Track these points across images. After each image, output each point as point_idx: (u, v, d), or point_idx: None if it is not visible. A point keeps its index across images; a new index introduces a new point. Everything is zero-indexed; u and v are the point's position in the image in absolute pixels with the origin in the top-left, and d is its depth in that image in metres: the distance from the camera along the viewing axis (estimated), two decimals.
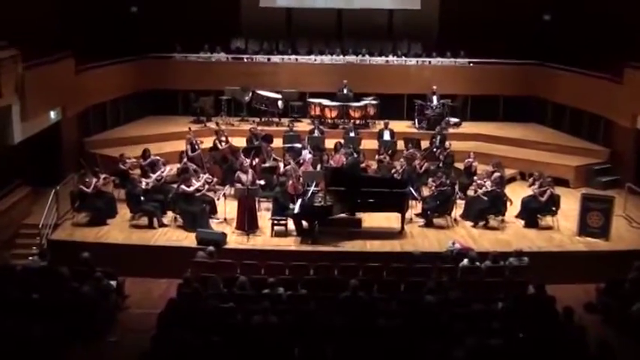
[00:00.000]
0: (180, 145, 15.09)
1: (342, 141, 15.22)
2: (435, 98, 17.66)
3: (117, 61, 16.84)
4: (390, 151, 15.28)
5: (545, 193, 12.55)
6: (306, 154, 14.45)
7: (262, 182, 12.95)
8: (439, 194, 12.78)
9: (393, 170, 13.96)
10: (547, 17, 18.46)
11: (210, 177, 13.19)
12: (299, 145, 15.13)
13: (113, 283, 10.19)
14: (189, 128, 15.20)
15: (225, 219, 12.65)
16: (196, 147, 14.60)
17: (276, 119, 17.78)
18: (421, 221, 12.81)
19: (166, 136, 16.49)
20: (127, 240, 11.78)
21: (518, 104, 18.37)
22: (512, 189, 14.01)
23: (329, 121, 17.57)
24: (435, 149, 15.32)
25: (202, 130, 16.71)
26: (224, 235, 11.79)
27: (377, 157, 15.15)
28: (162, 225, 12.35)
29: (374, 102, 17.66)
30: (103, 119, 16.78)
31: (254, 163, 14.05)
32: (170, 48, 18.40)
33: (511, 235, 12.31)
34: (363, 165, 14.34)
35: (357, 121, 17.48)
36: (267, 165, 14.16)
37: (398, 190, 12.22)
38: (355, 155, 14.45)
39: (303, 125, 17.40)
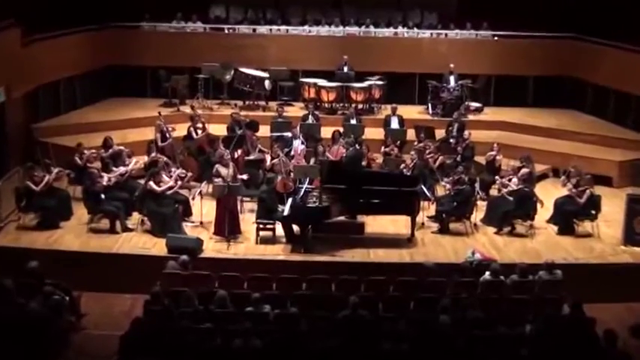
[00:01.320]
0: (149, 133, 15.12)
1: (342, 129, 15.34)
2: (452, 79, 17.81)
3: (73, 31, 16.84)
4: (398, 142, 15.39)
5: (583, 193, 12.61)
6: (298, 145, 14.60)
7: (245, 177, 13.05)
8: (456, 194, 12.85)
9: (402, 165, 14.12)
10: None
11: (184, 172, 13.25)
12: (289, 134, 15.17)
13: (66, 298, 10.21)
14: (159, 113, 15.25)
15: (201, 222, 12.72)
16: (167, 135, 14.62)
17: (262, 103, 17.87)
18: (435, 226, 12.92)
19: (132, 122, 16.57)
20: (84, 247, 11.85)
21: (552, 86, 18.51)
22: (543, 188, 14.12)
23: (326, 105, 17.71)
24: (451, 140, 15.46)
25: (175, 116, 16.81)
26: (200, 241, 11.86)
27: (383, 148, 15.21)
28: (126, 229, 12.43)
29: (379, 83, 17.77)
30: (56, 101, 16.83)
31: (236, 155, 14.10)
32: (137, 16, 18.50)
33: (542, 243, 12.40)
34: (366, 158, 14.44)
35: (360, 106, 17.62)
36: (251, 158, 14.26)
37: (407, 189, 12.28)
38: (357, 146, 14.54)
39: (295, 110, 17.52)
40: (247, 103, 17.85)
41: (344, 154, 14.06)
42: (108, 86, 18.37)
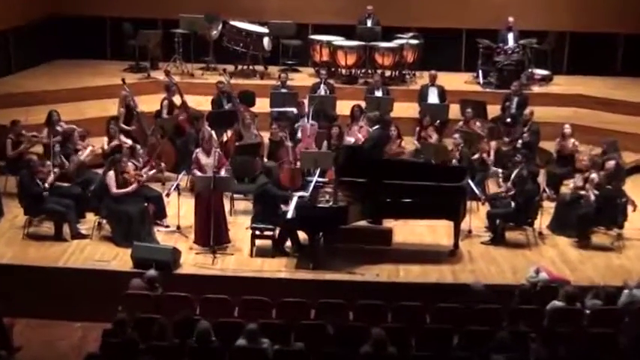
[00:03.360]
0: (110, 108, 15.21)
1: (364, 104, 15.36)
2: (511, 37, 17.87)
3: None
4: (437, 122, 15.37)
5: None
6: (307, 125, 14.66)
7: (223, 172, 12.84)
8: (515, 192, 12.82)
9: (442, 152, 14.18)
10: None
11: (156, 159, 13.33)
12: (295, 110, 15.26)
13: None
14: (124, 81, 15.22)
15: (178, 227, 12.78)
16: (134, 111, 14.66)
17: (260, 68, 17.91)
18: (486, 235, 12.94)
19: (86, 93, 16.74)
20: (20, 258, 11.85)
21: None
22: (635, 185, 14.06)
23: (343, 71, 17.75)
24: (509, 119, 15.46)
25: (144, 84, 16.96)
26: (175, 252, 11.87)
27: (417, 130, 15.24)
28: (77, 235, 12.45)
29: (414, 42, 17.85)
30: None
31: (225, 138, 14.21)
32: None
33: (633, 259, 12.38)
34: (396, 144, 14.46)
35: (388, 73, 17.60)
36: (245, 142, 14.28)
37: (450, 185, 12.25)
38: (383, 127, 14.50)
39: (303, 78, 17.63)
40: (240, 68, 17.91)
41: (367, 137, 14.22)
42: (54, 45, 18.48)
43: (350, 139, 14.22)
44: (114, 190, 12.28)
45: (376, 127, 14.18)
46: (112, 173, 12.40)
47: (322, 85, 16.19)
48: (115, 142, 13.84)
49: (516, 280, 11.58)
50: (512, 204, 12.87)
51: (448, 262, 12.27)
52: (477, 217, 13.21)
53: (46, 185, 12.45)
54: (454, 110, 15.83)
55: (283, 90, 15.93)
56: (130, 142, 13.88)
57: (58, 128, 13.88)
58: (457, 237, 12.46)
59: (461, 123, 15.08)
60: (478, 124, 14.89)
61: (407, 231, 12.95)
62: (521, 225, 12.89)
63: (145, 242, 12.01)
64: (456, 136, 14.34)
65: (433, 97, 16.36)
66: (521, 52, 17.76)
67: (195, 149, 13.05)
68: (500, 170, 13.74)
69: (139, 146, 13.68)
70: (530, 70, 17.74)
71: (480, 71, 17.94)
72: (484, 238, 12.93)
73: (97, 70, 17.84)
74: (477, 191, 12.97)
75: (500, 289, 11.11)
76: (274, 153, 14.20)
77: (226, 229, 12.43)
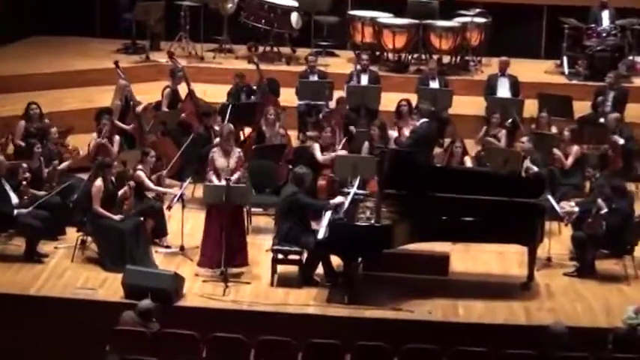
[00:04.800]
0: (97, 98, 15.40)
1: (416, 98, 15.40)
2: (605, 16, 17.87)
3: None
4: (509, 121, 15.36)
5: None
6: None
7: (236, 176, 12.94)
8: (608, 212, 12.65)
9: (513, 159, 13.98)
10: None
11: (156, 159, 13.53)
12: (330, 105, 15.33)
13: None
14: (117, 64, 15.40)
15: (181, 247, 12.84)
16: (131, 102, 14.83)
17: (286, 50, 17.96)
18: (570, 265, 12.92)
19: (68, 79, 16.80)
20: None
21: None
22: None
23: (390, 55, 17.79)
24: (602, 119, 15.37)
25: (141, 69, 17.09)
26: (178, 278, 11.88)
27: (483, 131, 15.21)
28: (36, 255, 12.46)
29: (480, 20, 17.86)
30: None
31: (242, 136, 14.27)
32: None
33: None
34: (456, 148, 14.40)
35: (447, 59, 17.65)
36: (267, 144, 14.39)
37: (523, 201, 12.22)
38: (432, 122, 14.52)
39: (340, 63, 17.77)
40: (262, 49, 17.91)
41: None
42: (29, 17, 18.57)
43: (394, 142, 14.34)
44: (96, 206, 12.31)
45: (424, 120, 14.17)
46: (99, 183, 12.41)
47: (362, 74, 16.30)
48: (98, 141, 13.93)
49: (609, 322, 11.49)
50: (604, 226, 12.71)
51: (520, 297, 12.20)
52: (558, 242, 13.17)
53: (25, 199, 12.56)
54: (530, 107, 15.75)
55: (314, 78, 16.05)
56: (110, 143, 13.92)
57: (35, 124, 14.11)
58: (532, 266, 12.38)
59: (537, 124, 15.15)
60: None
61: (468, 258, 12.94)
62: (616, 254, 12.83)
63: (140, 266, 11.99)
64: (525, 139, 14.28)
65: (504, 91, 16.40)
66: (619, 34, 17.73)
67: (210, 152, 13.07)
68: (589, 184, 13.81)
69: (152, 152, 13.60)
70: (630, 58, 17.69)
71: (565, 58, 17.96)
72: (567, 269, 12.90)
73: (82, 50, 17.93)
74: (557, 209, 12.88)
75: (588, 333, 11.09)
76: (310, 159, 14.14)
77: (243, 251, 12.48)
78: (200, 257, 12.46)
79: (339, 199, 12.32)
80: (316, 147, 14.20)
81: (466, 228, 12.32)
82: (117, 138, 14.18)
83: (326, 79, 16.06)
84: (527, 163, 13.91)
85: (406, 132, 14.55)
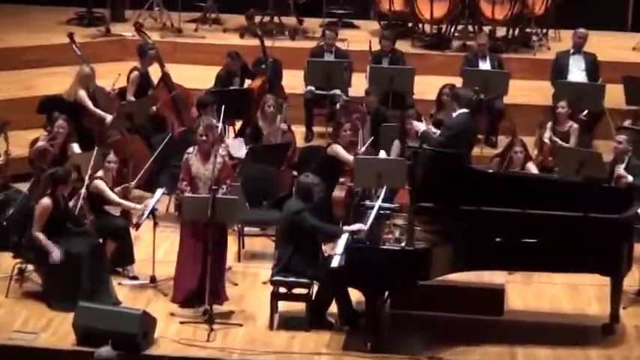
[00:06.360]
0: (41, 85, 14.77)
1: (461, 82, 15.02)
2: None
3: None
4: (585, 112, 14.87)
5: None
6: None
7: (224, 189, 12.02)
8: None
9: (593, 163, 13.65)
10: None
11: (120, 165, 12.88)
12: (344, 97, 15.12)
13: None
14: (71, 37, 15.09)
15: (152, 278, 12.23)
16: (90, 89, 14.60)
17: (290, 20, 17.45)
18: None
19: (3, 58, 16.17)
20: None
21: None
22: None
23: (427, 28, 17.62)
24: None
25: (100, 44, 16.87)
26: (147, 319, 11.15)
27: (550, 125, 14.45)
28: None
29: None
30: None
31: (231, 132, 14.63)
32: None
33: None
34: (516, 154, 13.43)
35: (501, 32, 17.20)
36: (265, 143, 14.34)
37: (606, 217, 11.41)
38: (472, 114, 13.49)
39: (362, 37, 17.08)
40: (259, 19, 16.81)
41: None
42: None
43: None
44: (36, 231, 11.45)
45: (462, 111, 12.95)
46: (46, 202, 11.36)
47: (387, 55, 15.54)
48: (44, 145, 13.09)
49: None
50: None
51: (601, 343, 11.27)
52: None
53: None
54: (613, 94, 14.92)
55: (328, 56, 15.27)
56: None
57: None
58: (617, 303, 11.48)
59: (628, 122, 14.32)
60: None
61: (530, 291, 12.24)
62: None
63: (98, 303, 11.27)
64: (622, 138, 12.95)
65: (577, 73, 15.68)
66: None
67: (187, 151, 12.21)
68: None
69: (113, 155, 12.57)
70: None
71: None
72: None
73: (19, 20, 17.39)
74: None
75: None
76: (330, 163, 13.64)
77: (222, 283, 11.82)
78: (174, 291, 11.85)
79: (357, 226, 11.26)
80: (337, 147, 13.38)
81: (527, 252, 11.41)
82: (75, 147, 13.21)
83: (345, 59, 15.61)
84: (619, 169, 12.96)
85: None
